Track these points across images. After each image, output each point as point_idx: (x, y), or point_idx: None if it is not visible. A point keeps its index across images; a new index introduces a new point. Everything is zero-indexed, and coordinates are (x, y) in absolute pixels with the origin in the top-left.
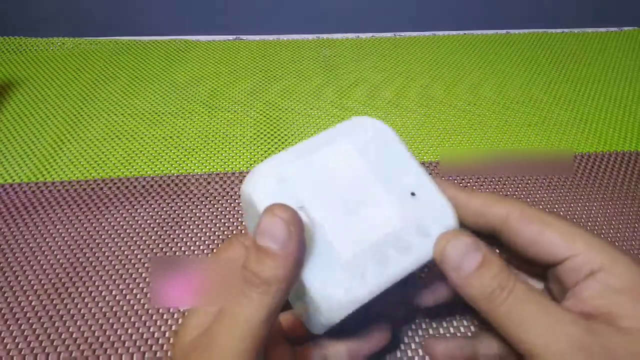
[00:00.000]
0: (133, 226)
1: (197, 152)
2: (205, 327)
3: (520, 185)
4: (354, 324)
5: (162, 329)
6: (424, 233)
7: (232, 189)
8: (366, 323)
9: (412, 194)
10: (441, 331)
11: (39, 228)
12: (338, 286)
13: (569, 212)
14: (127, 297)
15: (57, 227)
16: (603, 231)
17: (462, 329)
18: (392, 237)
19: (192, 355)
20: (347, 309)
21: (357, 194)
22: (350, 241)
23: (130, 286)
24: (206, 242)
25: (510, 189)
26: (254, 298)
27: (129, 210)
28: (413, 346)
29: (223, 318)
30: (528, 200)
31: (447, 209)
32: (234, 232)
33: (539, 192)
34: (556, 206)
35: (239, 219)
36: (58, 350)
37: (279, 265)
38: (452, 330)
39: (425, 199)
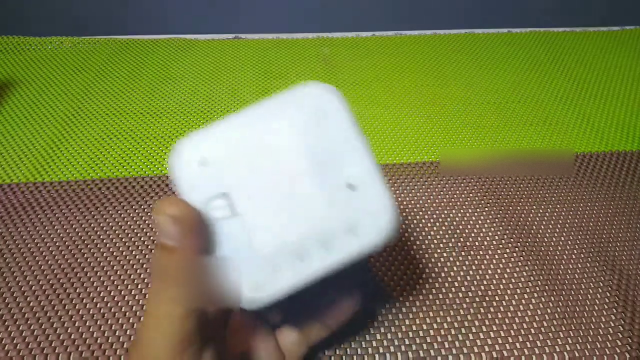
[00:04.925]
0: (131, 226)
1: None
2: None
3: (521, 185)
4: (321, 296)
5: None
6: (353, 232)
7: None
8: (335, 292)
9: (351, 185)
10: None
11: (36, 228)
12: (250, 281)
13: (570, 212)
14: (126, 297)
15: (55, 227)
16: (604, 232)
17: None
18: (318, 232)
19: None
20: (259, 303)
21: (288, 182)
22: (272, 233)
23: (129, 287)
24: None
25: (511, 189)
26: (169, 294)
27: (127, 211)
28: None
29: (147, 317)
30: (529, 200)
31: (384, 206)
32: None
33: (540, 192)
34: (557, 206)
35: None
36: (57, 351)
37: (180, 259)
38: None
39: (364, 195)
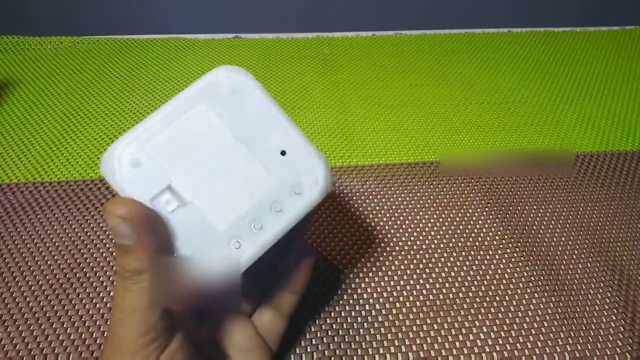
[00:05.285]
0: None
1: None
2: None
3: (521, 185)
4: (275, 266)
5: None
6: (296, 191)
7: None
8: (287, 256)
9: (282, 152)
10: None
11: (36, 228)
12: (217, 258)
13: (571, 212)
14: None
15: (55, 227)
16: (605, 232)
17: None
18: (266, 200)
19: (105, 355)
20: (232, 275)
21: (225, 161)
22: (225, 211)
23: None
24: None
25: (511, 189)
26: (131, 289)
27: None
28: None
29: (115, 313)
30: (529, 200)
31: (316, 164)
32: None
33: (540, 192)
34: (558, 206)
35: None
36: (56, 352)
37: (140, 256)
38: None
39: (295, 156)
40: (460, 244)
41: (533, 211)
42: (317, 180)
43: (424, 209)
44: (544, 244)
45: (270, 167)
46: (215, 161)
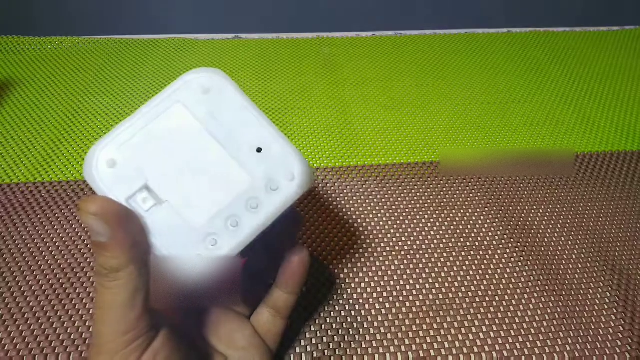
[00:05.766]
0: None
1: None
2: None
3: (521, 185)
4: (270, 269)
5: None
6: (272, 187)
7: None
8: (280, 258)
9: (259, 149)
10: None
11: (36, 228)
12: (192, 256)
13: (570, 212)
14: None
15: (55, 227)
16: (605, 232)
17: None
18: (242, 197)
19: (90, 354)
20: (210, 271)
21: (201, 159)
22: (200, 209)
23: None
24: None
25: (511, 189)
26: (110, 286)
27: None
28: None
29: (96, 311)
30: (529, 200)
31: (292, 161)
32: None
33: (540, 192)
34: (557, 206)
35: None
36: (56, 351)
37: (116, 253)
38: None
39: (271, 153)
40: (460, 244)
41: (533, 211)
42: (293, 176)
43: (424, 209)
44: (544, 244)
45: (245, 165)
46: (190, 160)
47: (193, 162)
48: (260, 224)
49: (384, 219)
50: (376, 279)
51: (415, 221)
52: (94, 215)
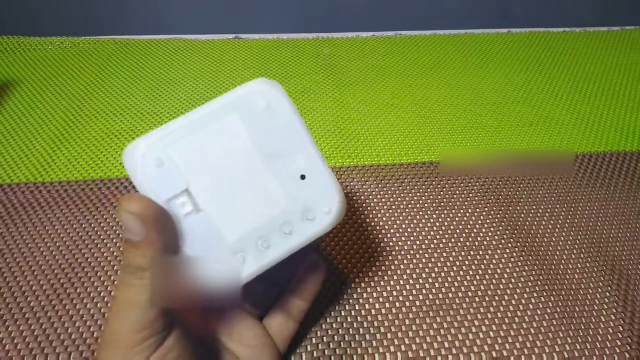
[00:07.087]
0: None
1: None
2: None
3: (520, 185)
4: (289, 275)
5: None
6: (308, 217)
7: None
8: (301, 267)
9: (302, 176)
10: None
11: (37, 228)
12: (219, 268)
13: (570, 213)
14: None
15: (56, 227)
16: (604, 232)
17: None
18: (277, 220)
19: (98, 349)
20: (231, 287)
21: (244, 175)
22: (235, 224)
23: None
24: None
25: (511, 189)
26: (134, 284)
27: None
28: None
29: (113, 306)
30: (529, 200)
31: (332, 195)
32: None
33: (540, 192)
34: (557, 206)
35: None
36: (57, 351)
37: (145, 252)
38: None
39: (314, 182)
40: (460, 244)
41: (533, 211)
42: (330, 210)
43: (424, 209)
44: (544, 244)
45: (287, 189)
46: (235, 173)
47: (236, 176)
48: (289, 249)
49: (384, 219)
50: (376, 278)
51: (415, 221)
52: (133, 213)
